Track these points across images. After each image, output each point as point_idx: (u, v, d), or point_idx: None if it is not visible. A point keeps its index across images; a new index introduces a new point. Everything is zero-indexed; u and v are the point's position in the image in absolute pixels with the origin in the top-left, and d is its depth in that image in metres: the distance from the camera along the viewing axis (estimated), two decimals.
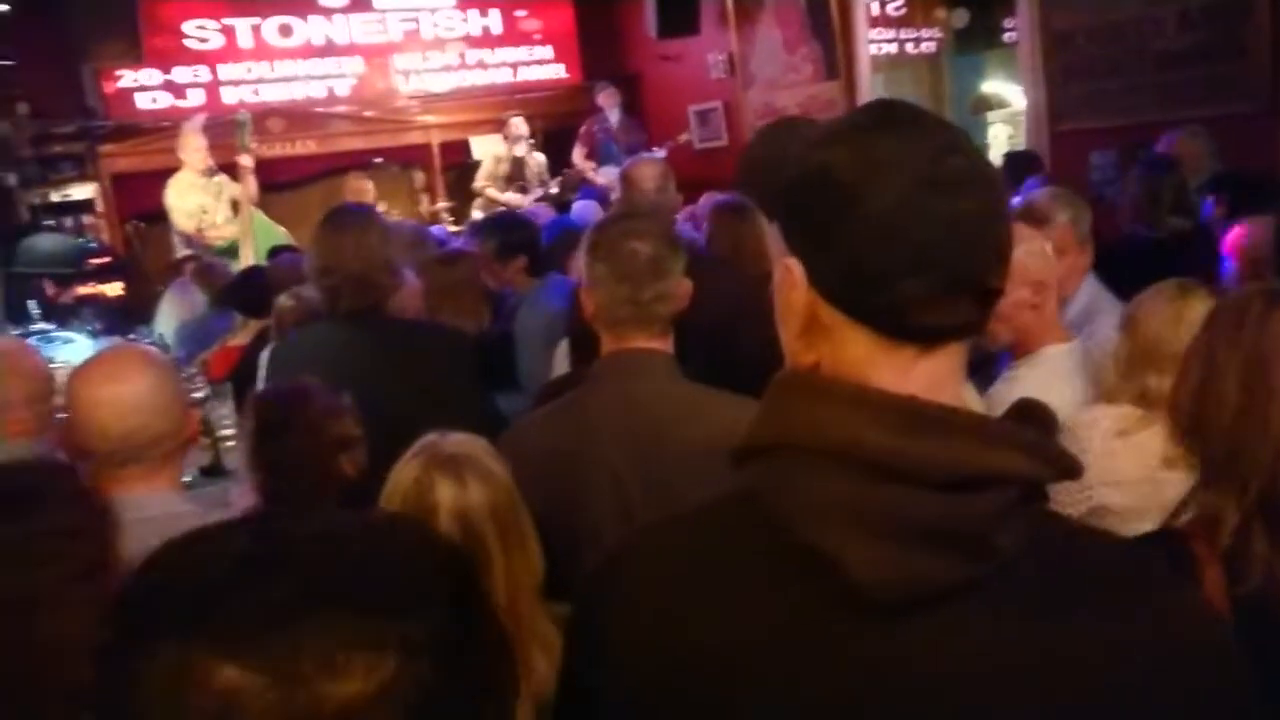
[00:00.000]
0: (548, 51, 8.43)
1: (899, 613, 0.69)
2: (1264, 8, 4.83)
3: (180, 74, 7.04)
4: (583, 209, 5.80)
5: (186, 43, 7.09)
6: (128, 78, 6.86)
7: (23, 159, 6.47)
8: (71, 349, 4.48)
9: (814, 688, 0.71)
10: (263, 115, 6.98)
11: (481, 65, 8.20)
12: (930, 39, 8.22)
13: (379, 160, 7.83)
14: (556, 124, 8.03)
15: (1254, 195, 3.38)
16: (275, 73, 7.42)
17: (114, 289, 6.18)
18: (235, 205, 5.97)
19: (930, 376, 0.74)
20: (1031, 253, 2.01)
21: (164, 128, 6.73)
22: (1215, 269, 3.03)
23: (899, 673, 0.69)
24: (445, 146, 8.04)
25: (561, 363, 2.62)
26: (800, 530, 0.71)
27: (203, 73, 7.14)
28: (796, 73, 7.49)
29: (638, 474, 1.63)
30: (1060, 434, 1.81)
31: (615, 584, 0.82)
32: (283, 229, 6.00)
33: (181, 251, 6.05)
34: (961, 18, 8.06)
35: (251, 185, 5.82)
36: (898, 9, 7.92)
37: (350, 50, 7.71)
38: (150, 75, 6.92)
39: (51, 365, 2.09)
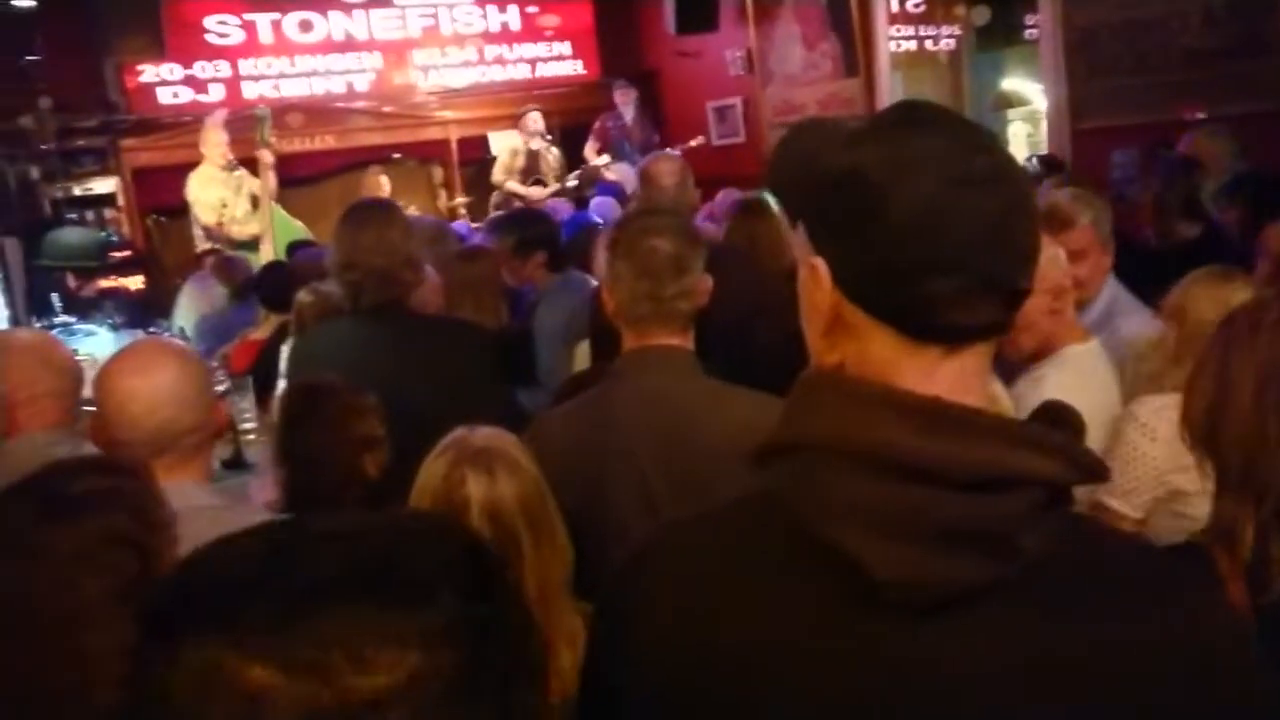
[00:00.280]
0: (566, 48, 8.43)
1: (923, 613, 0.69)
2: None
3: (201, 69, 7.08)
4: (600, 205, 5.81)
5: (208, 38, 7.13)
6: (150, 72, 6.90)
7: (46, 153, 6.53)
8: (93, 342, 4.54)
9: (837, 687, 0.71)
10: (282, 110, 7.02)
11: (500, 61, 8.21)
12: (950, 36, 8.18)
13: (397, 155, 7.86)
14: (574, 120, 8.03)
15: (1278, 194, 3.35)
16: (295, 68, 7.45)
17: (135, 282, 6.24)
18: (254, 200, 6.01)
19: (955, 377, 0.74)
20: (1050, 259, 2.00)
21: (185, 122, 6.77)
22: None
23: (923, 673, 0.70)
24: (463, 142, 8.06)
25: (582, 361, 2.63)
26: (823, 530, 0.71)
27: (223, 68, 7.17)
28: (816, 69, 7.46)
29: (661, 469, 1.64)
30: (1122, 424, 1.83)
31: (640, 582, 0.82)
32: (300, 224, 6.04)
33: (202, 245, 6.09)
34: (982, 14, 8.01)
35: (271, 180, 5.85)
36: (917, 6, 7.88)
37: (370, 46, 7.74)
38: (172, 70, 6.96)
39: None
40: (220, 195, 6.05)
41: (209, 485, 1.83)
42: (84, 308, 5.73)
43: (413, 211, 6.10)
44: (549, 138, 7.58)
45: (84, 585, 1.13)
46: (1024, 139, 8.33)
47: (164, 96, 6.98)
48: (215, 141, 6.10)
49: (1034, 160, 5.41)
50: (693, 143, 7.27)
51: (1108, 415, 1.92)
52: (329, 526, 0.59)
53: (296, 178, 7.07)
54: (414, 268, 2.47)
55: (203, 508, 1.60)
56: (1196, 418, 1.41)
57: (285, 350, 2.97)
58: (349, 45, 7.67)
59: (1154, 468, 1.78)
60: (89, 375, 1.90)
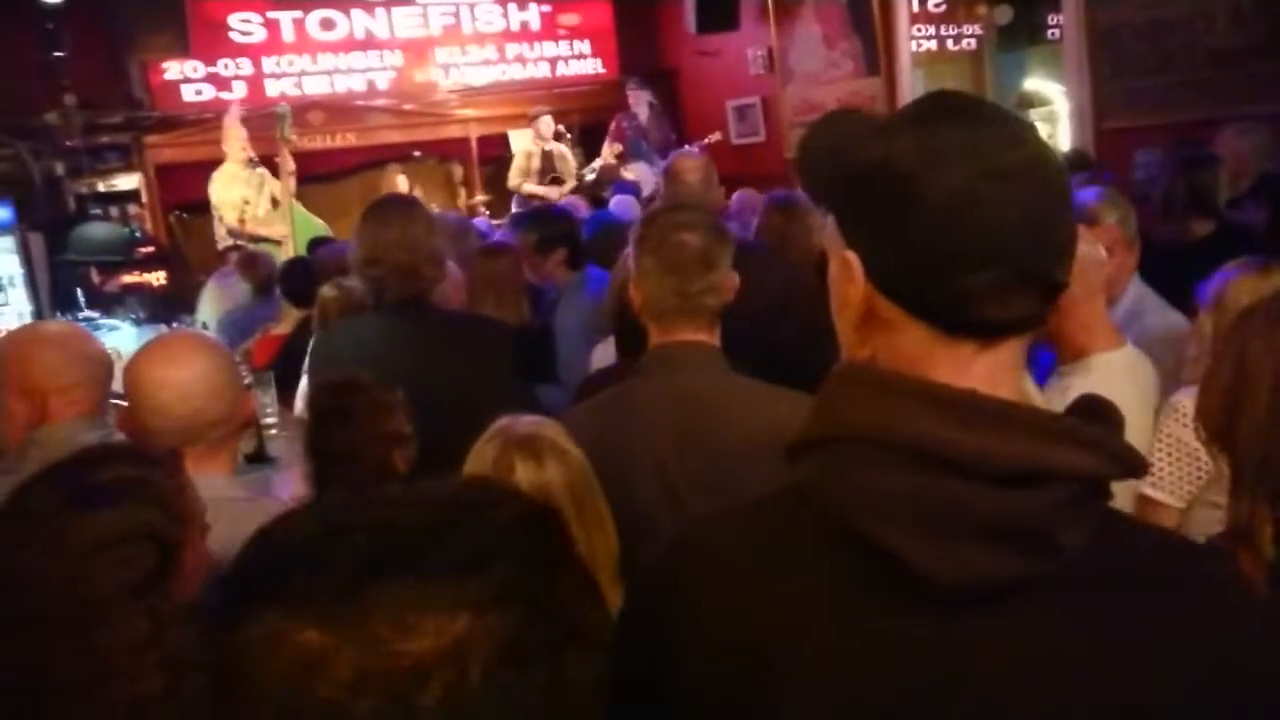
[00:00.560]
0: (585, 46, 8.46)
1: (959, 607, 0.69)
2: None
3: (224, 66, 7.14)
4: (620, 204, 5.82)
5: (231, 35, 7.19)
6: (173, 69, 6.97)
7: (71, 149, 6.59)
8: (117, 337, 4.58)
9: (872, 680, 0.71)
10: (303, 108, 7.07)
11: (520, 60, 8.24)
12: (972, 35, 8.13)
13: (418, 153, 7.89)
14: (593, 119, 8.04)
15: None
16: (317, 66, 7.50)
17: (158, 278, 6.29)
18: (274, 200, 6.05)
19: (989, 372, 0.74)
20: (1086, 252, 1.99)
21: (208, 119, 6.83)
22: None
23: (959, 667, 0.69)
24: (483, 140, 8.09)
25: (604, 358, 2.62)
26: (859, 524, 0.70)
27: (246, 65, 7.23)
28: (836, 68, 7.44)
29: (685, 465, 1.63)
30: (1163, 416, 1.81)
31: (674, 576, 0.82)
32: (321, 221, 6.07)
33: (225, 242, 6.14)
34: (1005, 14, 7.96)
35: (290, 183, 5.89)
36: (939, 5, 7.84)
37: (391, 44, 7.78)
38: (195, 68, 7.02)
39: None
40: (242, 193, 6.10)
41: (235, 478, 1.85)
42: (108, 303, 5.79)
43: (433, 209, 6.13)
44: (569, 135, 7.58)
45: (100, 579, 1.14)
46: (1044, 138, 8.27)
47: (187, 94, 7.04)
48: (235, 136, 6.16)
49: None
50: (710, 139, 7.26)
51: (1135, 424, 1.91)
52: (379, 499, 0.61)
53: (317, 175, 7.11)
54: (437, 264, 2.47)
55: (230, 499, 1.61)
56: (1212, 412, 1.39)
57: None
58: (370, 43, 7.71)
59: (1195, 457, 1.76)
60: (115, 369, 1.91)
